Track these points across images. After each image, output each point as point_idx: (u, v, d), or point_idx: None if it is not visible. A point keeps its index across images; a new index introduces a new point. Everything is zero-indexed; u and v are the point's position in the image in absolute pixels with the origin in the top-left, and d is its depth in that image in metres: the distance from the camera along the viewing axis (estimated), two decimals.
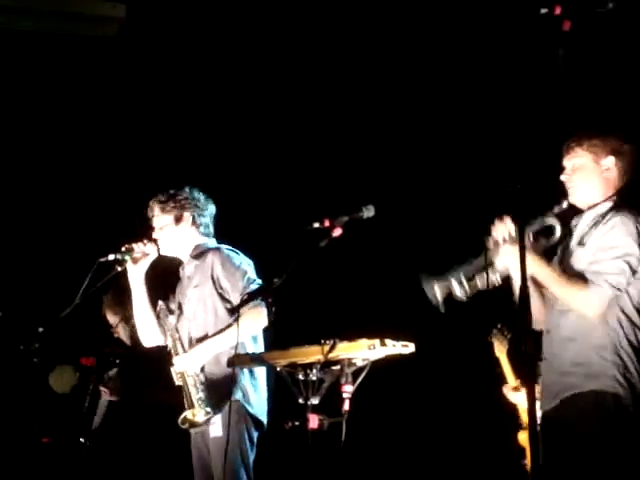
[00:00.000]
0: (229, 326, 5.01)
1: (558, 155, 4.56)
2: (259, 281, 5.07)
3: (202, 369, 5.09)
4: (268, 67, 7.21)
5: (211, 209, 5.34)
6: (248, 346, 5.01)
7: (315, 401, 4.26)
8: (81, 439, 6.40)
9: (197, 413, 4.99)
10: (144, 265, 5.24)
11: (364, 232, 4.56)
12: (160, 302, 5.31)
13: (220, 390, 5.00)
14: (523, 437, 5.99)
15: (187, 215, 5.24)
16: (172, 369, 5.09)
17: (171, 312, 5.27)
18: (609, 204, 4.37)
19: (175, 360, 5.10)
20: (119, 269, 5.23)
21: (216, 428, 4.98)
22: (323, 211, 4.48)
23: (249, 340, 5.02)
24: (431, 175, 7.02)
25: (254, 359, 4.69)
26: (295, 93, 7.23)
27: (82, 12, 7.02)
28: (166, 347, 5.25)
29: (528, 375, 3.63)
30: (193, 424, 5.01)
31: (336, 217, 4.42)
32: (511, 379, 6.00)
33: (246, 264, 5.15)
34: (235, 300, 5.03)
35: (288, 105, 7.26)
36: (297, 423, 4.26)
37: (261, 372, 5.11)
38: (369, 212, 4.47)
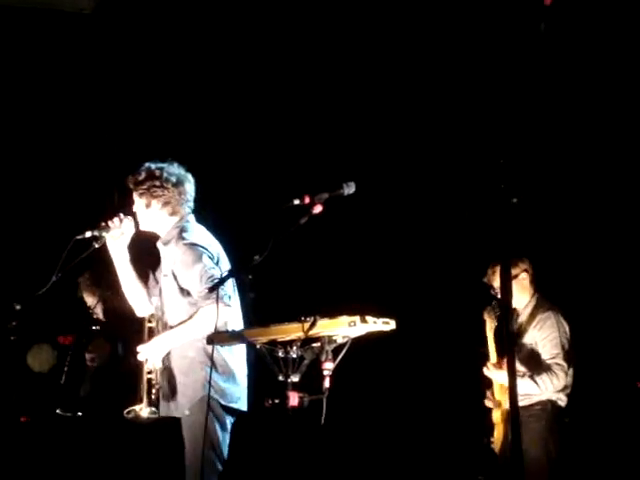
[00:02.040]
0: (188, 319, 5.00)
1: (541, 130, 4.56)
2: (218, 273, 4.98)
3: (169, 361, 5.07)
4: (249, 44, 7.16)
5: (184, 190, 5.21)
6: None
7: (295, 379, 4.23)
8: (57, 411, 6.36)
9: (143, 408, 4.99)
10: (124, 240, 5.21)
11: (345, 208, 4.53)
12: (150, 274, 5.28)
13: (187, 384, 5.01)
14: (496, 415, 6.01)
15: (154, 202, 5.17)
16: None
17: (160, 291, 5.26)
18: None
19: (139, 348, 5.08)
20: (96, 246, 5.18)
21: (185, 407, 5.00)
22: (303, 188, 4.45)
23: (222, 326, 4.96)
24: (412, 151, 7.01)
25: (233, 336, 4.65)
26: (276, 70, 7.19)
27: None
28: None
29: (508, 352, 3.64)
30: (137, 417, 5.01)
31: (316, 194, 4.39)
32: (493, 356, 6.01)
33: (207, 257, 5.04)
34: (194, 294, 5.00)
35: (269, 83, 7.22)
36: (277, 401, 4.23)
37: (237, 360, 5.08)
38: (350, 189, 4.43)
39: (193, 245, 5.08)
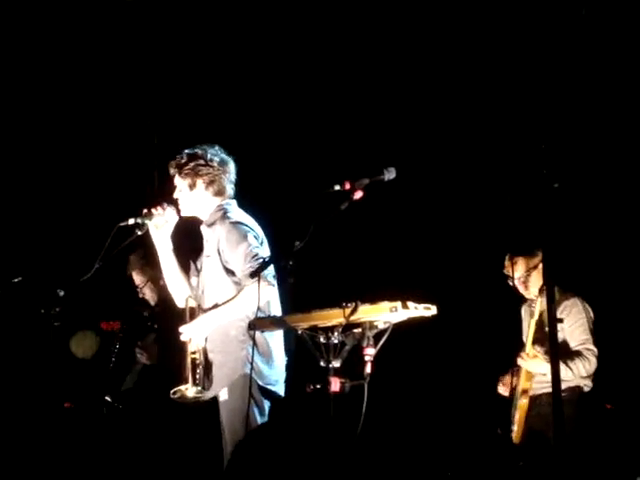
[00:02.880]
0: (232, 299, 5.01)
1: (580, 116, 4.53)
2: (262, 253, 5.01)
3: (209, 339, 5.08)
4: (290, 29, 7.17)
5: (229, 170, 5.25)
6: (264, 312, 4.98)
7: (337, 364, 4.25)
8: (107, 397, 6.40)
9: (189, 388, 5.01)
10: (167, 229, 5.23)
11: (385, 194, 4.53)
12: (192, 265, 5.31)
13: (227, 362, 5.02)
14: (523, 403, 5.97)
15: (200, 182, 5.19)
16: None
17: (198, 272, 5.28)
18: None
19: (181, 329, 5.10)
20: (139, 233, 5.21)
21: (223, 393, 5.01)
22: (344, 174, 4.45)
23: (264, 305, 4.98)
24: (454, 137, 6.98)
25: (275, 322, 4.67)
26: (314, 54, 7.19)
27: None
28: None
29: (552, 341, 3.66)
30: (183, 397, 5.03)
31: (357, 180, 4.39)
32: (529, 345, 5.95)
33: (252, 236, 5.06)
34: (238, 273, 5.01)
35: (309, 68, 7.21)
36: (319, 386, 4.25)
37: (276, 343, 5.09)
38: (390, 174, 4.44)
39: (238, 223, 5.10)
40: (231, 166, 5.27)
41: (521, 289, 6.06)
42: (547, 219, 3.71)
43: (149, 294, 6.60)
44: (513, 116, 6.31)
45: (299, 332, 4.34)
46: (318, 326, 4.29)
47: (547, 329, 5.92)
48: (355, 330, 4.25)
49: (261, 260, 4.88)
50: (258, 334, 4.91)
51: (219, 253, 5.11)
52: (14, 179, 7.56)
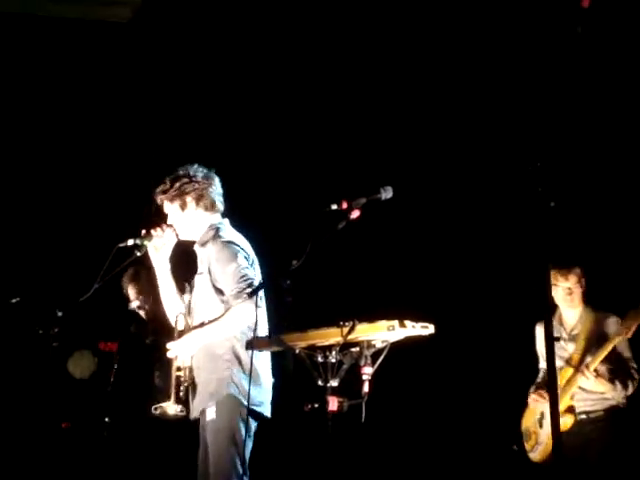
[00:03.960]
0: (219, 318, 4.99)
1: (577, 134, 4.54)
2: (251, 273, 5.01)
3: (196, 358, 5.06)
4: (285, 48, 7.20)
5: (214, 182, 5.23)
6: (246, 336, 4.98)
7: (334, 383, 4.25)
8: (106, 419, 6.38)
9: (170, 405, 5.00)
10: (166, 251, 5.23)
11: (382, 213, 4.54)
12: (187, 287, 5.31)
13: (212, 381, 4.99)
14: (567, 421, 5.93)
15: (189, 200, 5.18)
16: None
17: (191, 290, 5.28)
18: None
19: (168, 345, 5.10)
20: (138, 254, 5.21)
21: (211, 412, 4.97)
22: (341, 193, 4.46)
23: (252, 325, 4.96)
24: (450, 156, 7.00)
25: (273, 341, 4.67)
26: (311, 74, 7.22)
27: None
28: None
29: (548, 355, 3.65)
30: (164, 413, 5.02)
31: (354, 199, 4.40)
32: (596, 363, 5.87)
33: (242, 257, 5.04)
34: (227, 292, 5.00)
35: (306, 86, 7.25)
36: (316, 405, 4.25)
37: (263, 363, 5.06)
38: (387, 193, 4.44)
39: (229, 243, 5.09)
40: (216, 179, 5.25)
41: (567, 300, 6.00)
42: (544, 238, 3.71)
43: (143, 310, 6.59)
44: (508, 133, 6.34)
45: (297, 351, 4.34)
46: (316, 345, 4.29)
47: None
48: (353, 349, 4.25)
49: (250, 281, 4.90)
50: (245, 356, 4.90)
51: (209, 272, 5.12)
52: (13, 198, 7.59)
